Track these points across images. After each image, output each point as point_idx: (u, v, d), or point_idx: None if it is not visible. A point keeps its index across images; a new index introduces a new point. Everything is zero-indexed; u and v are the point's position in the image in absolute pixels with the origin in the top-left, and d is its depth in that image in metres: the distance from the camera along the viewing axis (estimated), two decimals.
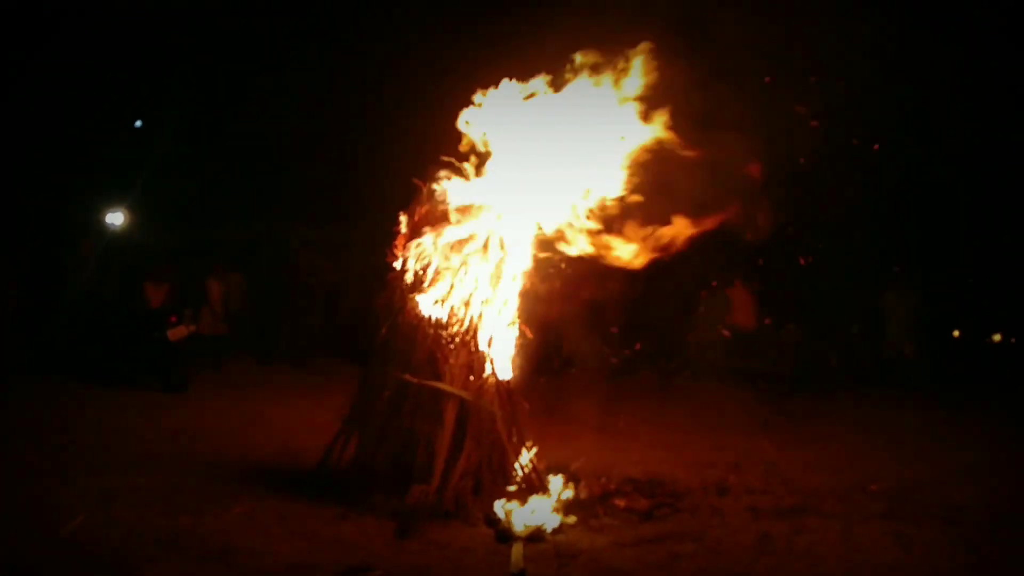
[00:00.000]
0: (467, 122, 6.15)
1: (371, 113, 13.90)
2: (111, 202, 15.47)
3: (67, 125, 14.83)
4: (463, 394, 5.92)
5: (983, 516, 5.89)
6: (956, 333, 13.76)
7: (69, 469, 6.51)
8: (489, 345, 6.08)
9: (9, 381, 9.83)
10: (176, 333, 10.07)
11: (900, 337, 12.42)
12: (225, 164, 15.54)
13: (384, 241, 6.34)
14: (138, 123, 16.86)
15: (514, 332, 6.25)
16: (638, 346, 11.54)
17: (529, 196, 6.10)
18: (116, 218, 15.64)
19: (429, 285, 6.06)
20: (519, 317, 6.26)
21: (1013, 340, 13.61)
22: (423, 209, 6.24)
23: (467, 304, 6.04)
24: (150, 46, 14.64)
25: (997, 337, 13.80)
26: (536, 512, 5.61)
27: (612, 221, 6.19)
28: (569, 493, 6.01)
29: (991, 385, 11.62)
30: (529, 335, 6.32)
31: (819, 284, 12.59)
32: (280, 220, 14.71)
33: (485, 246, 6.08)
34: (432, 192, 6.23)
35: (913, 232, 12.85)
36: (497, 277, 6.11)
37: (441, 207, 6.20)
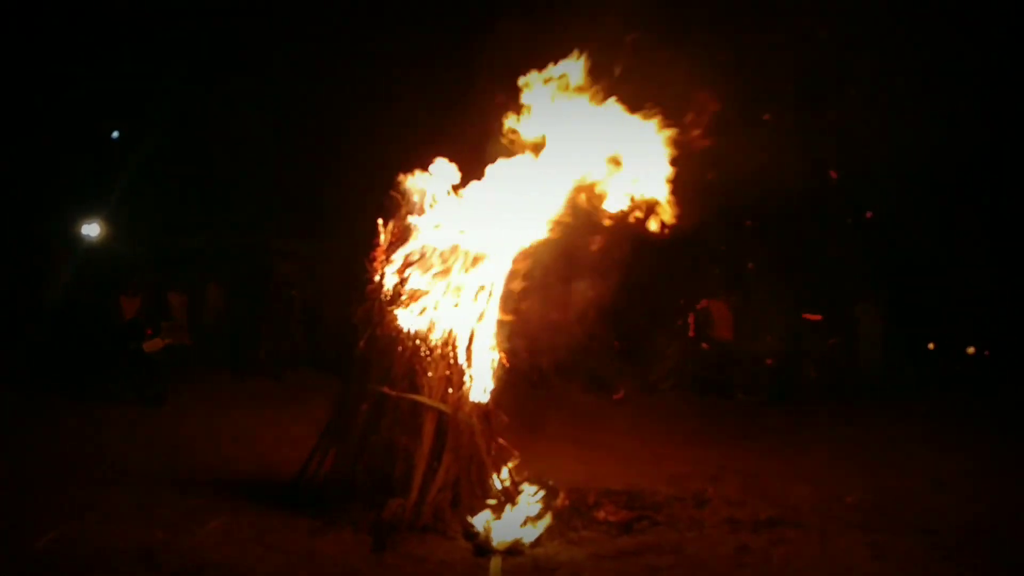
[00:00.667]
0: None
1: (350, 123, 13.89)
2: (87, 214, 15.36)
3: (43, 135, 14.72)
4: (442, 407, 5.91)
5: (959, 526, 5.94)
6: (931, 346, 13.89)
7: (42, 482, 6.44)
8: (468, 358, 6.08)
9: None
10: (152, 345, 9.97)
11: (870, 350, 12.57)
12: (202, 175, 15.47)
13: (362, 253, 6.33)
14: (115, 134, 16.75)
15: (492, 346, 6.25)
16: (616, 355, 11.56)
17: (504, 210, 6.12)
18: (92, 229, 15.52)
19: (407, 298, 6.06)
20: (497, 335, 6.26)
21: (987, 352, 13.76)
22: (401, 221, 6.24)
23: (445, 317, 6.03)
24: (130, 55, 14.57)
25: (971, 349, 13.94)
26: (514, 525, 5.59)
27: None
28: (548, 506, 5.99)
29: (966, 397, 11.72)
30: (505, 363, 6.33)
31: (795, 298, 12.70)
32: (258, 231, 14.64)
33: (463, 259, 6.08)
34: (410, 205, 6.23)
35: (885, 247, 13.00)
36: (475, 290, 6.10)
37: (418, 220, 6.22)
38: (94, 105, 15.11)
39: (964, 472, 7.56)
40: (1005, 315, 12.98)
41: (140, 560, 4.94)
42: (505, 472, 6.14)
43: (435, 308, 6.01)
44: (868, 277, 12.87)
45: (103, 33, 14.20)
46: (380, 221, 6.24)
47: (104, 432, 8.41)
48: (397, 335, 5.99)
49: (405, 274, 6.09)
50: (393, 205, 6.25)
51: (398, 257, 6.14)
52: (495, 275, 6.14)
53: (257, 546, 5.28)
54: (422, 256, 6.12)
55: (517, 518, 5.69)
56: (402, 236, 6.20)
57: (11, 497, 6.02)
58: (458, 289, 6.06)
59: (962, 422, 10.02)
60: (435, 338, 6.00)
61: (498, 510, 5.75)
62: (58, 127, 14.87)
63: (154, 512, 5.79)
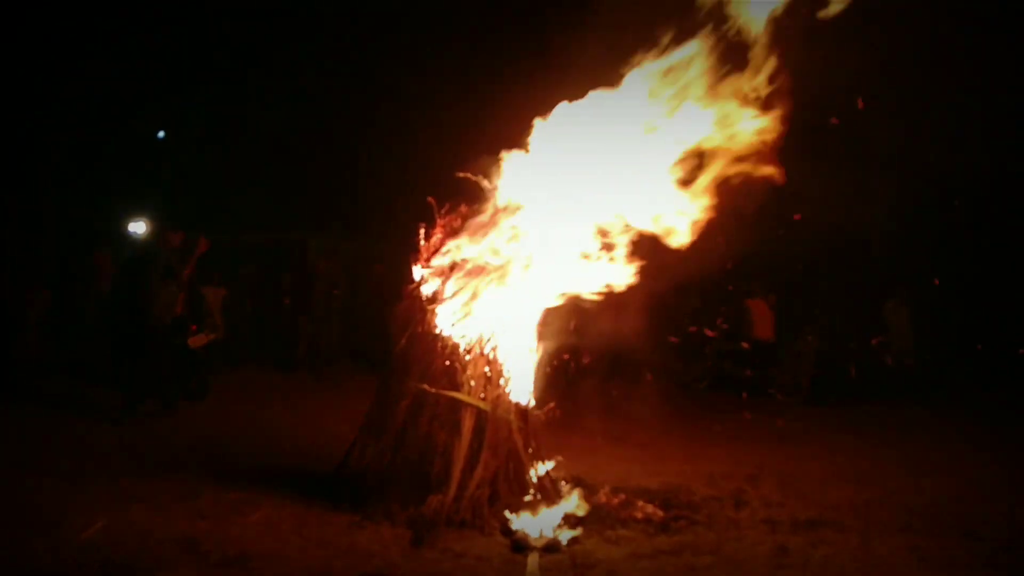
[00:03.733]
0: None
1: (392, 124, 13.99)
2: (135, 211, 15.67)
3: (92, 135, 15.04)
4: (480, 404, 5.95)
5: (1003, 531, 5.82)
6: (979, 347, 13.61)
7: (88, 474, 6.60)
8: (507, 357, 6.11)
9: (34, 385, 9.98)
10: (196, 341, 10.13)
11: (902, 348, 12.38)
12: (246, 173, 15.70)
13: (403, 252, 6.40)
14: (161, 134, 17.06)
15: (532, 345, 6.27)
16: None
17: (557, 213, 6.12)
18: (138, 227, 15.83)
19: (448, 296, 6.11)
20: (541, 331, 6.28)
21: None
22: (445, 222, 6.31)
23: (485, 316, 6.07)
24: (173, 58, 14.82)
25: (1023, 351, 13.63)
26: (552, 522, 5.61)
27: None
28: (585, 503, 6.00)
29: (1011, 398, 11.48)
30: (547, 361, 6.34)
31: (836, 295, 12.54)
32: (299, 229, 14.82)
33: (505, 262, 6.11)
34: (455, 207, 6.30)
35: (924, 243, 12.78)
36: (516, 290, 6.13)
37: (467, 220, 6.27)
38: (138, 104, 15.40)
39: (1008, 475, 7.42)
40: None
41: (185, 550, 5.05)
42: (543, 469, 6.16)
43: (475, 307, 6.05)
44: (903, 275, 12.66)
45: (149, 35, 14.46)
46: (424, 223, 6.31)
47: (147, 424, 8.58)
48: (437, 333, 6.04)
49: (447, 274, 6.14)
50: (435, 208, 6.30)
51: (441, 257, 6.19)
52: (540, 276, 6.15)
53: (297, 538, 5.37)
54: (465, 256, 6.16)
55: (555, 515, 5.71)
56: (447, 236, 6.25)
57: (59, 488, 6.18)
58: (501, 285, 6.09)
59: (1006, 424, 9.81)
60: (475, 336, 6.04)
61: (536, 507, 5.78)
62: (102, 126, 15.17)
63: (198, 503, 5.92)
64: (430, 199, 6.33)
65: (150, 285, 9.00)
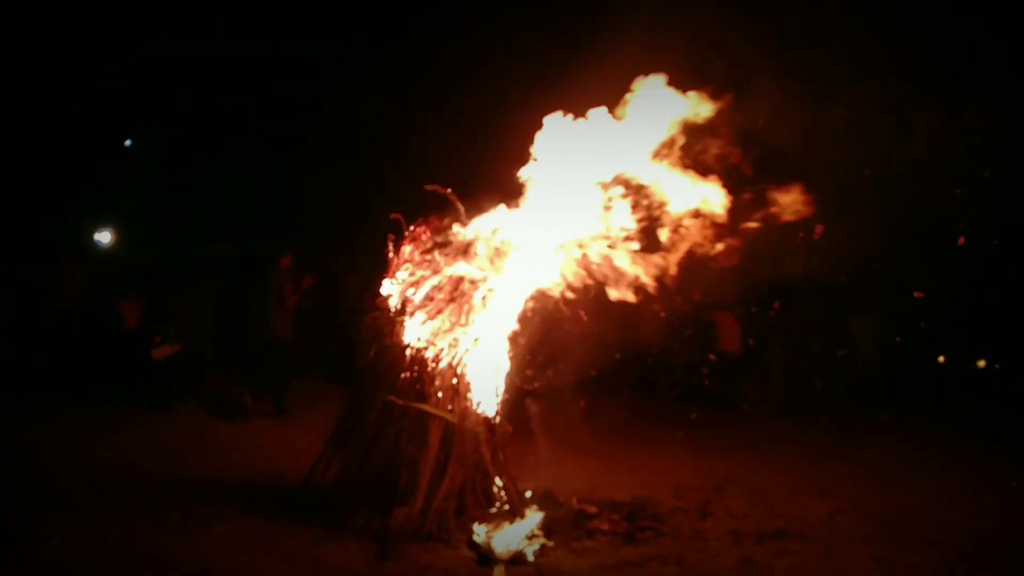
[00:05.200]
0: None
1: (370, 132, 13.92)
2: (100, 221, 15.48)
3: (56, 143, 14.85)
4: (448, 416, 5.94)
5: (965, 540, 5.91)
6: (941, 359, 13.82)
7: (51, 488, 6.49)
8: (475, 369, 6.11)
9: None
10: (160, 352, 10.03)
11: (867, 360, 12.55)
12: (214, 183, 15.58)
13: (373, 265, 6.40)
14: (128, 142, 16.87)
15: (501, 358, 6.28)
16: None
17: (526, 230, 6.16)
18: (104, 237, 15.64)
19: (417, 309, 6.10)
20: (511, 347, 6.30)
21: (997, 366, 13.68)
22: (414, 236, 6.32)
23: (454, 328, 6.07)
24: (143, 65, 14.68)
25: (982, 363, 13.86)
26: (518, 534, 5.60)
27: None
28: (552, 516, 6.00)
29: (974, 409, 11.66)
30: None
31: (802, 309, 12.65)
32: (267, 239, 14.67)
33: (474, 277, 6.12)
34: (426, 220, 6.31)
35: (889, 256, 12.94)
36: (485, 302, 6.14)
37: (437, 233, 6.29)
38: (108, 111, 15.22)
39: (971, 486, 7.52)
40: (1017, 328, 12.89)
41: (148, 565, 4.99)
42: (510, 481, 6.16)
43: (444, 319, 6.05)
44: (864, 289, 12.82)
45: (118, 43, 14.32)
46: (393, 235, 6.31)
47: (111, 438, 8.47)
48: (406, 345, 6.04)
49: (416, 286, 6.14)
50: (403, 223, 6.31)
51: (410, 270, 6.19)
52: (509, 290, 6.17)
53: (262, 553, 5.32)
54: (436, 267, 6.17)
55: (521, 527, 5.71)
56: (417, 249, 6.26)
57: (19, 502, 6.07)
58: (469, 302, 6.10)
59: (970, 435, 9.95)
60: (443, 349, 6.04)
61: (502, 519, 5.77)
62: (71, 133, 14.99)
63: (161, 517, 5.85)
64: (396, 215, 6.34)
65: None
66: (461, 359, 6.06)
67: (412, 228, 6.34)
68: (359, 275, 11.97)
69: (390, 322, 6.16)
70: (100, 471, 7.15)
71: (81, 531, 5.47)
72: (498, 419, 6.26)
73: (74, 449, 7.94)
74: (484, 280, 6.09)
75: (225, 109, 15.30)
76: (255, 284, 11.62)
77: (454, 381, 6.03)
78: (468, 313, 6.06)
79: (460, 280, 6.12)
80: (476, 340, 6.06)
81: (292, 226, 14.47)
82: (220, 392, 10.49)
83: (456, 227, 6.29)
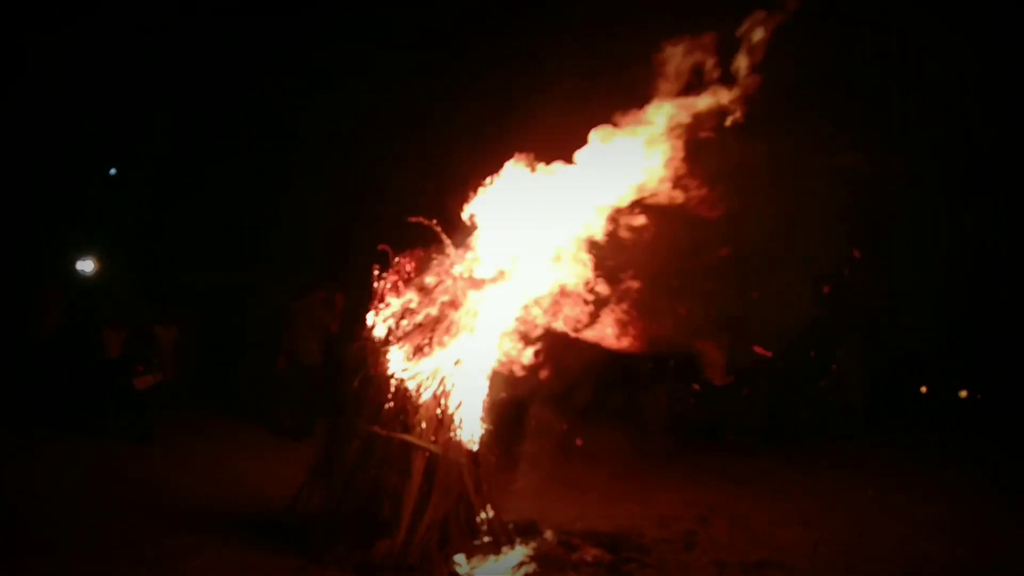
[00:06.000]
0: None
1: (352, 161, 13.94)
2: (83, 249, 15.41)
3: (41, 171, 14.80)
4: (432, 447, 5.92)
5: (945, 570, 5.93)
6: (923, 389, 13.91)
7: (26, 518, 6.40)
8: (458, 400, 6.10)
9: None
10: (143, 382, 9.95)
11: (851, 391, 12.62)
12: (196, 212, 15.54)
13: (357, 298, 6.41)
14: (112, 171, 16.85)
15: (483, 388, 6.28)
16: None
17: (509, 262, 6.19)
18: (86, 265, 15.56)
19: (401, 339, 6.10)
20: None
21: (979, 397, 13.77)
22: (399, 267, 6.33)
23: (438, 359, 6.07)
24: (126, 92, 14.70)
25: (963, 393, 13.96)
26: (502, 567, 5.58)
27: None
28: (536, 547, 5.97)
29: (957, 440, 11.72)
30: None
31: (788, 338, 12.71)
32: (248, 269, 14.63)
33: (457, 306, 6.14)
34: (411, 251, 6.34)
35: (872, 288, 13.05)
36: (469, 332, 6.14)
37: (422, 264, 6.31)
38: (93, 141, 15.22)
39: (953, 515, 7.55)
40: (997, 359, 13.01)
41: None
42: (493, 512, 6.13)
43: (428, 350, 6.05)
44: (848, 319, 12.92)
45: (103, 69, 14.35)
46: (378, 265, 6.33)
47: (90, 468, 8.37)
48: (390, 375, 6.03)
49: (400, 317, 6.15)
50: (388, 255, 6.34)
51: (394, 301, 6.20)
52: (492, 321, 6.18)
53: None
54: (422, 297, 6.19)
55: (505, 560, 5.68)
56: (402, 280, 6.28)
57: None
58: (453, 331, 6.11)
59: (953, 465, 10.00)
60: (427, 379, 6.03)
61: (486, 551, 5.74)
62: (55, 163, 14.96)
63: (138, 550, 5.77)
64: (383, 247, 6.36)
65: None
66: (445, 390, 6.06)
67: (396, 259, 6.36)
68: (346, 303, 11.99)
69: (374, 351, 6.16)
70: (78, 500, 7.05)
71: (57, 565, 5.38)
72: (481, 449, 6.24)
73: (50, 479, 7.83)
74: (467, 311, 6.10)
75: (207, 137, 15.33)
76: (255, 312, 11.81)
77: (438, 412, 6.02)
78: (451, 341, 6.07)
79: (444, 310, 6.13)
80: (458, 362, 6.06)
81: (276, 254, 14.44)
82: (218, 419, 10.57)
83: (439, 257, 6.32)
